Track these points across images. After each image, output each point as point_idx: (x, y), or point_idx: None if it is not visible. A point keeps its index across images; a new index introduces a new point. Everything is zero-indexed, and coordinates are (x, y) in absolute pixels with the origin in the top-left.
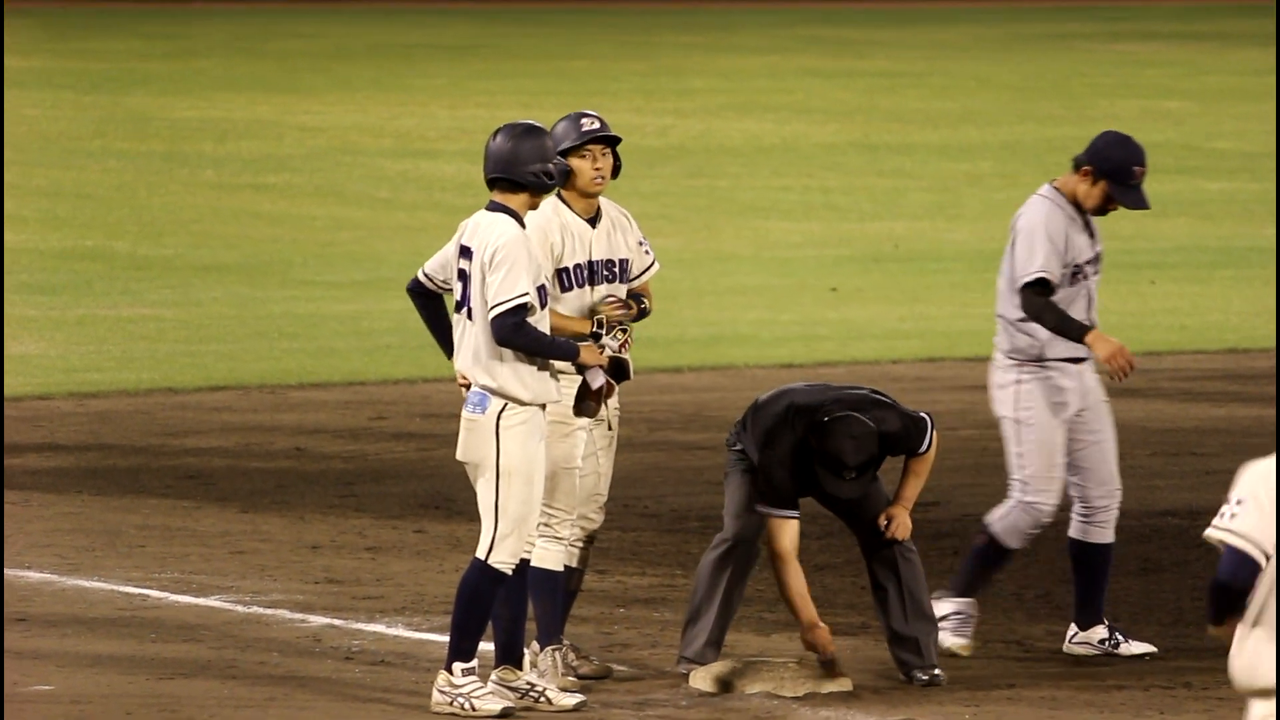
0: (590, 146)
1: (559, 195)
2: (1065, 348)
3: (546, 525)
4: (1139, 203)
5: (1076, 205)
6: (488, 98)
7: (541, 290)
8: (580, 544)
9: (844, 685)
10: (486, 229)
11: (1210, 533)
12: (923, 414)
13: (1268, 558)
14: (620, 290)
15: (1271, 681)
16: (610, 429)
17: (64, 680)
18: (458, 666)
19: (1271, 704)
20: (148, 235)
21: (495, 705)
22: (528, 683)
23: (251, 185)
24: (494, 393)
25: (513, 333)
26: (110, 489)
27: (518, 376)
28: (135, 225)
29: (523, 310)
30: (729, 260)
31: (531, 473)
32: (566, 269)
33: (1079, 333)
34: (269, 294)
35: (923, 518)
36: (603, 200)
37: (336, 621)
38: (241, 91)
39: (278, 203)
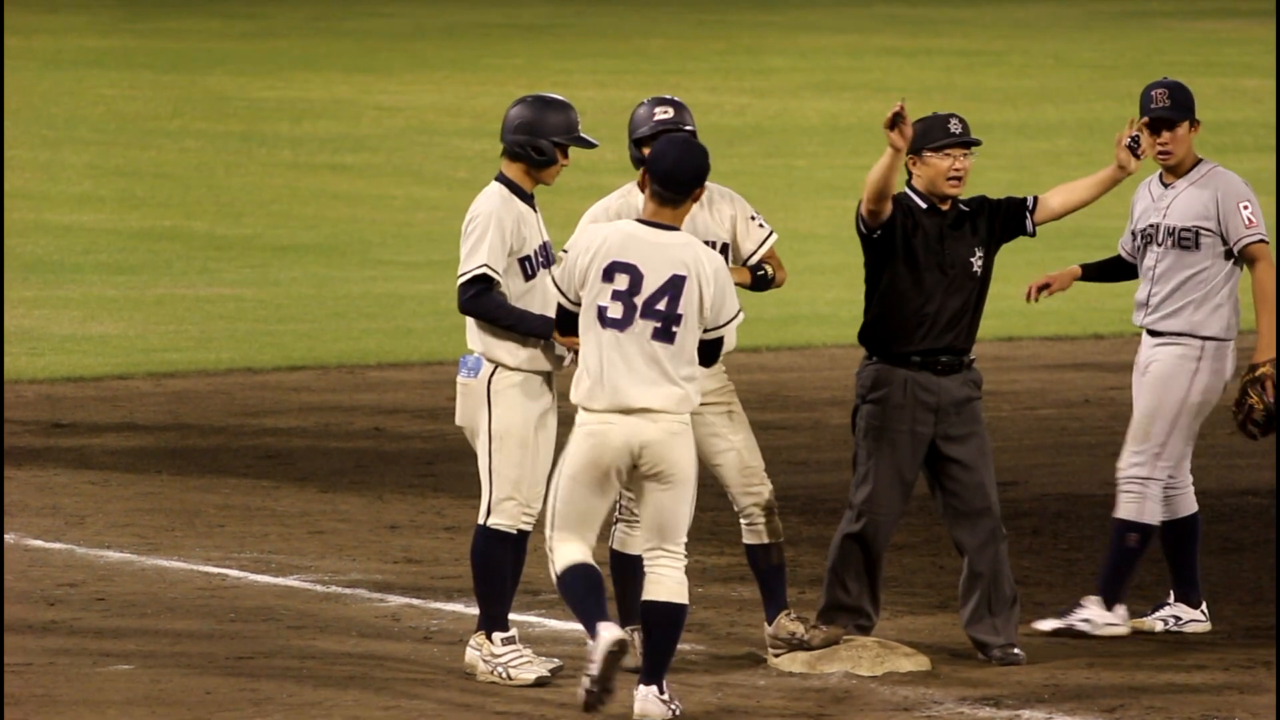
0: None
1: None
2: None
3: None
4: (1146, 109)
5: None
6: (565, 77)
7: (525, 262)
8: (761, 519)
9: (922, 664)
10: (477, 198)
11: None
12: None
13: (576, 302)
14: None
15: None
16: (728, 406)
17: (144, 659)
18: (497, 636)
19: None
20: (226, 215)
21: (530, 674)
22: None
23: (329, 165)
24: (484, 357)
25: (469, 304)
26: (189, 469)
27: (504, 342)
28: (213, 205)
29: (480, 281)
30: (806, 239)
31: (525, 437)
32: None
33: None
34: (347, 274)
35: (1001, 497)
36: None
37: (415, 601)
38: (319, 71)
39: (355, 183)
